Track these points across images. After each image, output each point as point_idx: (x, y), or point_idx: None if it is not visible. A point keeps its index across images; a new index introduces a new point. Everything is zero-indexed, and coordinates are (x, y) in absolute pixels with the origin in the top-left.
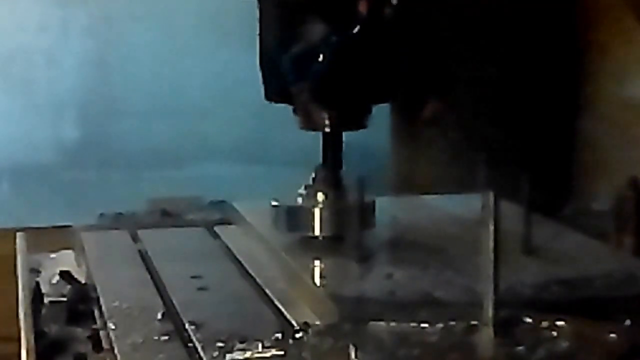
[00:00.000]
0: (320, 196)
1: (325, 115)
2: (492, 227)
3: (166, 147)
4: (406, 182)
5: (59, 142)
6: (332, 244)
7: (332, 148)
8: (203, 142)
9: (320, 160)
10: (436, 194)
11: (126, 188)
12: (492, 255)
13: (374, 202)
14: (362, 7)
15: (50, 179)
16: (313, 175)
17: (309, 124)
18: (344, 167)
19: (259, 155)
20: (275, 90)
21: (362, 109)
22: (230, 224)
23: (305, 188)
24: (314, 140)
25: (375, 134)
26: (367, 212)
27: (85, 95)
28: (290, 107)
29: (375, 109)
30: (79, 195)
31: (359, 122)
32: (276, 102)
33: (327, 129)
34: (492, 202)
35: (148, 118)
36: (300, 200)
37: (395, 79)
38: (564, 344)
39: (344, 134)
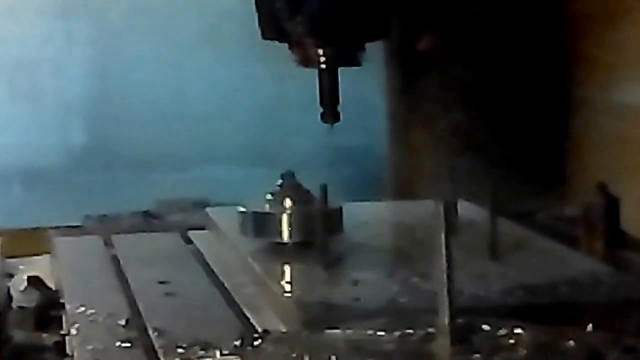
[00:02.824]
0: (287, 202)
1: (320, 52)
2: (443, 236)
3: (171, 151)
4: (403, 186)
5: (66, 147)
6: (300, 249)
7: (329, 85)
8: (207, 146)
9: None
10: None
11: (132, 190)
12: (445, 264)
13: (341, 208)
14: None
15: (58, 182)
16: (279, 181)
17: (305, 60)
18: (341, 170)
19: (262, 158)
20: (272, 28)
21: (357, 45)
22: (204, 229)
23: (272, 194)
24: (315, 144)
25: (372, 139)
26: (334, 218)
27: (90, 102)
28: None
29: (372, 111)
30: (86, 197)
31: (353, 59)
32: (272, 40)
33: (323, 65)
34: (444, 210)
35: (152, 124)
36: (267, 206)
37: (389, 15)
38: (522, 352)
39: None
